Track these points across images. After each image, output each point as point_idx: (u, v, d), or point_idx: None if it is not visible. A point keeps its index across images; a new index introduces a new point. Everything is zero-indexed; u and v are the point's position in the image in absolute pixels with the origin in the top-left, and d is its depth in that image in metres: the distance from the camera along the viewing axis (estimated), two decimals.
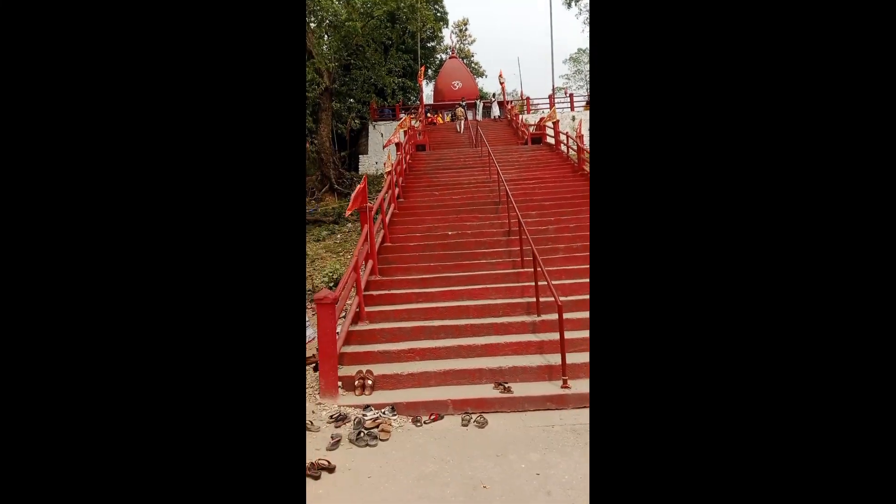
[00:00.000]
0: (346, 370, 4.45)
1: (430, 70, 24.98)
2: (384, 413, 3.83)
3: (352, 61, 16.68)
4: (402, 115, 11.99)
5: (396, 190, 8.61)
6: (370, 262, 6.05)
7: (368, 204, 6.11)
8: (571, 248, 6.53)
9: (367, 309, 5.36)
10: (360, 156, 17.67)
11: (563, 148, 11.30)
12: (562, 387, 4.10)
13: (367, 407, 3.88)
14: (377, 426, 3.65)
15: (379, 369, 4.42)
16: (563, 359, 4.18)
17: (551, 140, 12.16)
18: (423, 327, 4.97)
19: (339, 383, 4.27)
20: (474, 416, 3.79)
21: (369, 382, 4.22)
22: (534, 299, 5.21)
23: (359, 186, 6.13)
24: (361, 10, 15.53)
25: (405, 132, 11.05)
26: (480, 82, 25.99)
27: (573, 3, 17.33)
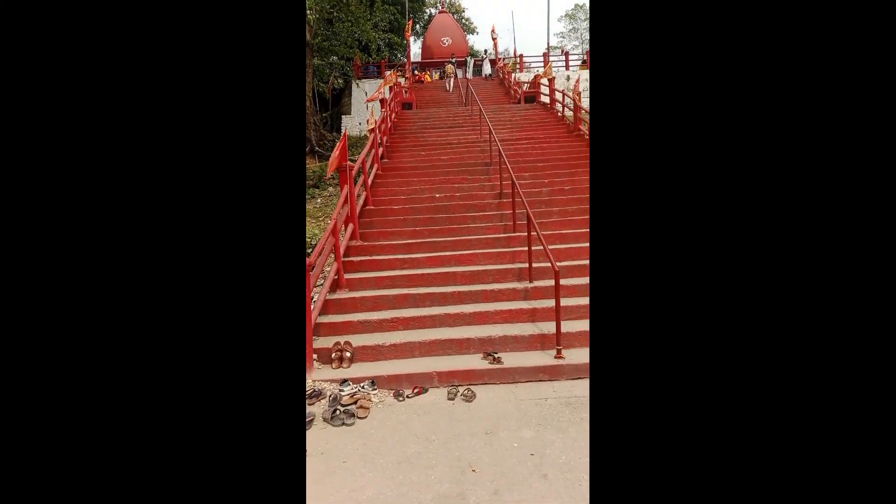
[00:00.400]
0: (323, 342, 4.11)
1: (418, 26, 23.83)
2: (363, 387, 3.52)
3: (334, 14, 15.67)
4: (387, 73, 11.27)
5: (380, 150, 8.09)
6: (350, 226, 5.64)
7: (349, 163, 5.63)
8: (566, 212, 6.17)
9: (347, 276, 4.99)
10: (343, 116, 16.88)
11: (559, 107, 10.77)
12: (556, 357, 3.83)
13: (344, 381, 3.57)
14: (355, 402, 3.35)
15: (359, 340, 4.09)
16: (558, 327, 3.89)
17: (545, 99, 11.58)
18: (408, 295, 4.63)
19: (315, 356, 3.94)
20: (461, 389, 3.50)
21: (347, 354, 3.90)
22: (526, 265, 4.88)
23: (338, 144, 5.64)
24: None
25: (390, 88, 10.40)
26: (471, 39, 24.92)
27: None
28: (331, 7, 15.12)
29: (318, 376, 3.71)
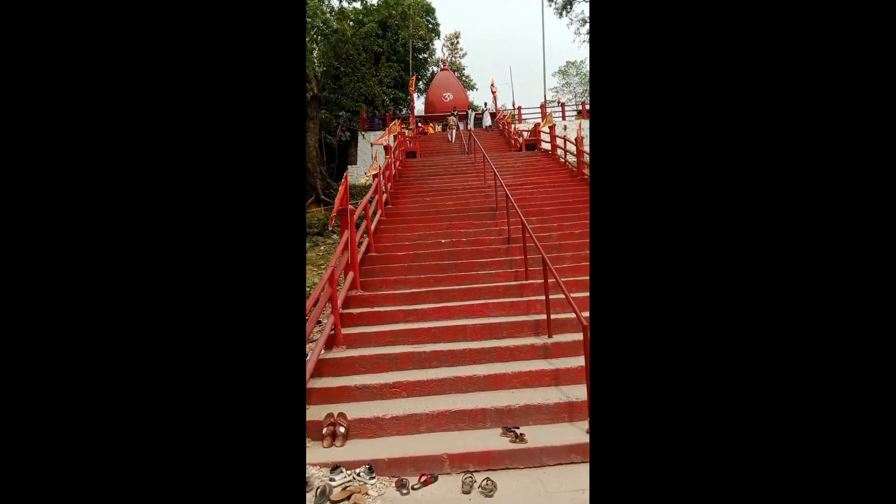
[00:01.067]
0: (314, 412, 3.40)
1: (420, 82, 24.33)
2: (359, 475, 2.78)
3: (341, 69, 15.83)
4: (392, 122, 11.09)
5: (384, 196, 7.63)
6: (350, 275, 5.03)
7: (350, 206, 5.11)
8: (579, 257, 5.57)
9: (345, 331, 4.33)
10: (349, 166, 16.71)
11: (560, 153, 10.43)
12: (587, 431, 3.10)
13: (335, 468, 2.84)
14: (348, 497, 2.61)
15: (355, 410, 3.37)
16: (590, 394, 3.18)
17: (546, 146, 11.29)
18: (413, 354, 3.94)
19: None
20: (479, 479, 2.76)
21: (341, 430, 3.17)
22: (543, 316, 4.22)
23: (341, 187, 5.14)
24: (353, 19, 14.75)
25: (394, 137, 10.12)
26: (471, 95, 25.30)
27: (564, 14, 16.69)
28: (338, 63, 15.30)
29: (307, 457, 2.98)
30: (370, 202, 6.30)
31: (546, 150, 11.27)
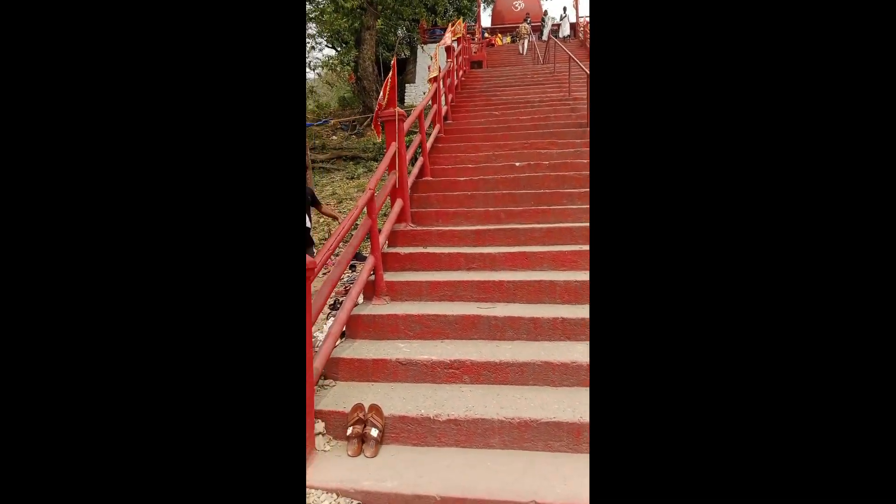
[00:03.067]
0: (339, 394, 2.39)
1: None
2: None
3: None
4: (454, 25, 9.25)
5: (444, 108, 6.20)
6: (399, 203, 3.84)
7: (398, 110, 3.80)
8: None
9: (388, 277, 3.22)
10: (407, 85, 15.03)
11: None
12: None
13: (361, 498, 1.81)
14: None
15: (396, 399, 2.31)
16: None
17: None
18: (478, 318, 2.77)
19: (321, 426, 2.22)
20: None
21: (374, 432, 2.13)
22: None
23: (385, 85, 3.81)
24: None
25: (458, 40, 8.37)
26: (545, 5, 21.94)
27: None
28: None
29: (319, 475, 1.97)
30: (424, 113, 4.93)
31: None
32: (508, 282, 3.04)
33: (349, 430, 2.15)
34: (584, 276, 3.05)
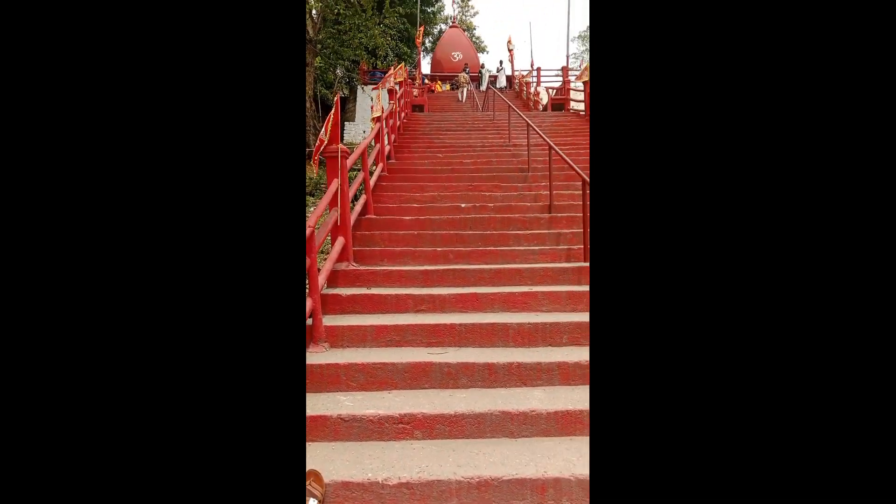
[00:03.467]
0: None
1: (428, 40, 22.38)
2: None
3: (341, 12, 13.95)
4: (396, 67, 9.44)
5: (387, 148, 6.17)
6: (340, 241, 3.62)
7: (341, 147, 3.66)
8: None
9: (328, 321, 2.96)
10: (347, 123, 15.01)
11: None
12: None
13: None
14: None
15: (338, 461, 2.03)
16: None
17: (578, 106, 9.77)
18: (429, 366, 2.58)
19: None
20: None
21: (312, 503, 1.83)
22: None
23: (326, 122, 3.68)
24: None
25: (399, 84, 8.54)
26: (482, 58, 23.37)
27: None
28: (336, 5, 13.44)
29: None
30: (367, 151, 4.83)
31: (578, 111, 9.74)
32: (460, 325, 2.90)
33: None
34: (537, 317, 2.99)
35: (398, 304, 3.21)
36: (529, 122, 5.77)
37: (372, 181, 4.89)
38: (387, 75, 7.24)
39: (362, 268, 3.66)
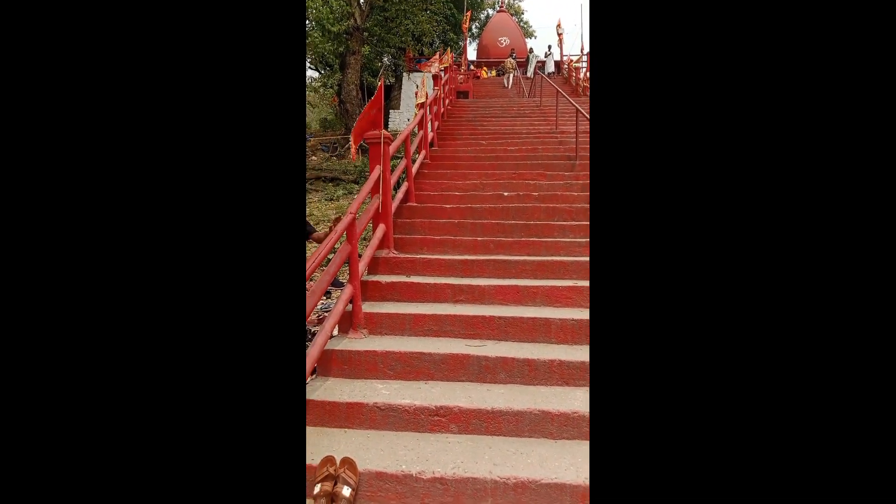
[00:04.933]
0: (308, 442, 2.08)
1: (475, 26, 22.03)
2: None
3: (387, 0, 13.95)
4: (442, 54, 9.30)
5: (430, 135, 6.12)
6: (381, 228, 3.62)
7: (384, 133, 3.64)
8: None
9: (367, 308, 2.97)
10: (391, 111, 15.10)
11: None
12: None
13: None
14: None
15: (372, 451, 2.03)
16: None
17: None
18: (467, 358, 2.54)
19: None
20: None
21: (346, 491, 1.84)
22: None
23: (368, 105, 3.66)
24: None
25: (445, 70, 8.44)
26: (530, 43, 22.79)
27: None
28: None
29: None
30: (410, 138, 4.80)
31: None
32: (499, 318, 2.83)
33: (316, 489, 1.85)
34: (582, 314, 2.87)
35: (437, 294, 3.17)
36: (578, 107, 5.53)
37: (414, 168, 4.87)
38: (430, 59, 7.15)
39: (403, 255, 3.65)
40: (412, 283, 3.26)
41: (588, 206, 4.38)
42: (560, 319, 2.79)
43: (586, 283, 3.17)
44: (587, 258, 3.55)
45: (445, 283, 3.21)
